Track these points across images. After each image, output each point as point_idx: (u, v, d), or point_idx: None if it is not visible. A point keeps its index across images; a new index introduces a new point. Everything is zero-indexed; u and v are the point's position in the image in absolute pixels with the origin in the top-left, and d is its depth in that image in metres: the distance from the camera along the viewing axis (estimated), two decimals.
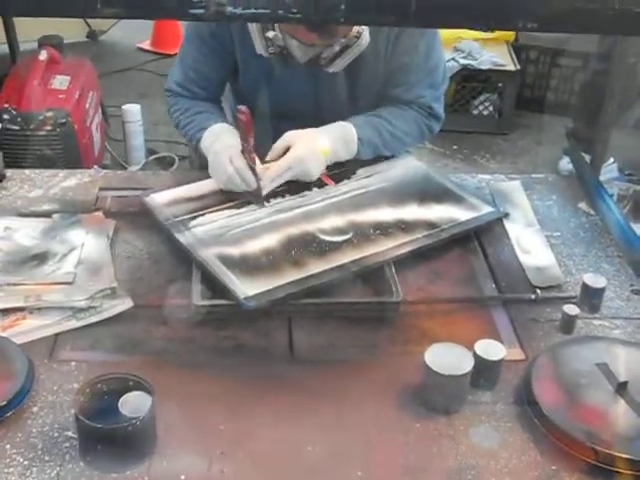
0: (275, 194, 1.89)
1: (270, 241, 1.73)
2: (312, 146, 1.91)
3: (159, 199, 1.89)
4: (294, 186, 1.92)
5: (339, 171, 2.01)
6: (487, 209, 1.94)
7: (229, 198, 1.88)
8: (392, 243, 1.76)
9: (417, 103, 2.07)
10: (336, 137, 1.96)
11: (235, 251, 1.69)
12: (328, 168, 1.97)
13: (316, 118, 1.99)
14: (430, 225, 1.84)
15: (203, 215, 1.82)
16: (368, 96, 2.07)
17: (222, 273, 1.61)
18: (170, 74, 2.17)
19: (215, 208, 1.84)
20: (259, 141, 1.87)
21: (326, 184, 1.96)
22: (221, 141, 1.91)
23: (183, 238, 1.74)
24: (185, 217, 1.81)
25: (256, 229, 1.78)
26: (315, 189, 1.94)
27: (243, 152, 1.84)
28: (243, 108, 1.80)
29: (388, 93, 2.07)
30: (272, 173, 1.88)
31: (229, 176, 1.85)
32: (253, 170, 1.84)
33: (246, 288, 1.57)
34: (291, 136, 1.92)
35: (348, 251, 1.72)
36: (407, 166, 2.09)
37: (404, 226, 1.82)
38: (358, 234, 1.77)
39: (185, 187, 1.93)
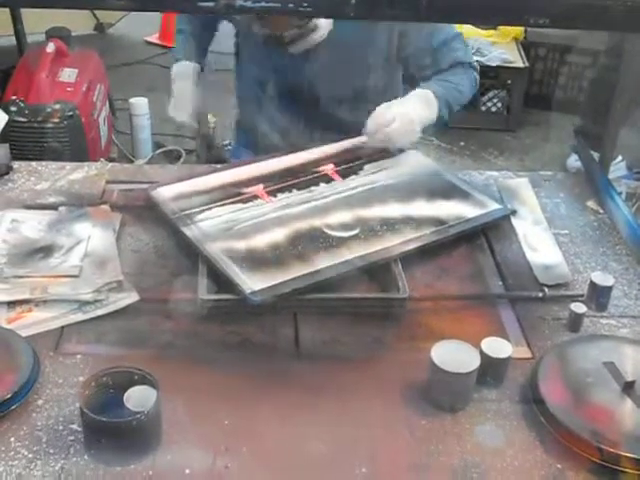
0: (282, 189, 1.89)
1: (277, 236, 1.72)
2: (407, 122, 2.01)
3: (166, 193, 1.88)
4: (301, 182, 1.92)
5: (347, 166, 2.00)
6: (494, 206, 1.94)
7: (236, 192, 1.87)
8: (399, 239, 1.75)
9: (458, 63, 2.18)
10: (422, 104, 2.06)
11: (241, 245, 1.68)
12: (336, 164, 1.97)
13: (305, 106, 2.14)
14: (438, 222, 1.83)
15: (210, 209, 1.81)
16: (352, 82, 2.16)
17: (228, 267, 1.60)
18: None
19: (221, 202, 1.83)
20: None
21: (333, 179, 1.95)
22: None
23: (189, 232, 1.73)
24: (192, 211, 1.80)
25: (263, 224, 1.77)
26: (322, 184, 1.93)
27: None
28: None
29: (426, 66, 2.18)
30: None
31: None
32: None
33: (252, 283, 1.56)
34: (385, 112, 2.01)
35: (355, 247, 1.71)
36: (415, 162, 2.09)
37: (411, 222, 1.82)
38: (365, 230, 1.76)
39: (192, 181, 1.93)
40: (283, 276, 1.59)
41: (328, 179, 1.95)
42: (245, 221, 1.77)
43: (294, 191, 1.90)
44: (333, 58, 2.07)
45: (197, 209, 1.81)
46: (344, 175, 1.98)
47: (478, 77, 2.25)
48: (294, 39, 1.99)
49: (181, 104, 2.18)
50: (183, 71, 2.26)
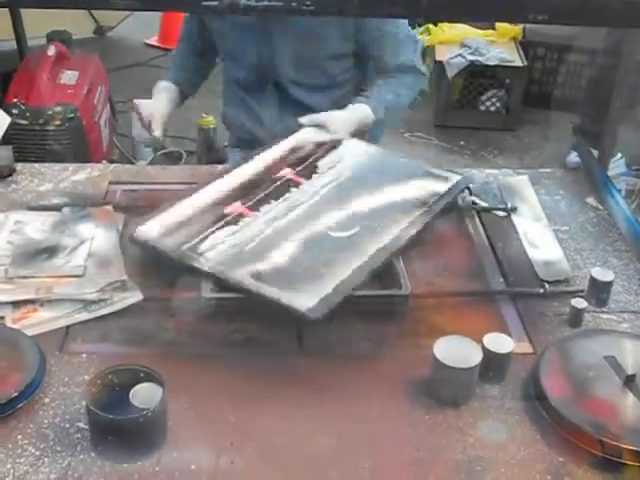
0: (260, 202, 1.80)
1: (289, 249, 1.66)
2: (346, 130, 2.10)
3: (150, 231, 1.69)
4: (273, 191, 1.85)
5: (302, 168, 1.96)
6: (456, 177, 1.98)
7: (220, 215, 1.75)
8: (399, 226, 1.75)
9: (405, 66, 2.24)
10: (360, 122, 2.13)
11: (264, 266, 1.60)
12: (291, 167, 1.95)
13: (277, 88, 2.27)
14: (420, 202, 1.85)
15: (207, 237, 1.67)
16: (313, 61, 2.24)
17: (267, 291, 1.53)
18: None
19: (214, 228, 1.71)
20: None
21: (299, 182, 1.90)
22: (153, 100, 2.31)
23: (203, 265, 1.60)
24: (191, 244, 1.64)
25: (268, 240, 1.69)
26: (293, 189, 1.87)
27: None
28: None
29: (377, 59, 2.26)
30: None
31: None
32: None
33: (301, 300, 1.51)
34: (329, 120, 2.08)
35: (366, 243, 1.69)
36: (361, 150, 2.08)
37: (398, 208, 1.82)
38: (363, 225, 1.75)
39: (167, 213, 1.75)
40: (324, 286, 1.54)
41: (295, 183, 1.89)
42: (249, 242, 1.68)
43: (272, 202, 1.81)
44: (297, 44, 2.17)
45: (195, 240, 1.65)
46: (306, 176, 1.93)
47: (422, 83, 2.36)
48: None
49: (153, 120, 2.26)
50: (162, 88, 2.35)
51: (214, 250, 1.63)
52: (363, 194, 1.86)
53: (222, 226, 1.71)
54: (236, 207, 1.77)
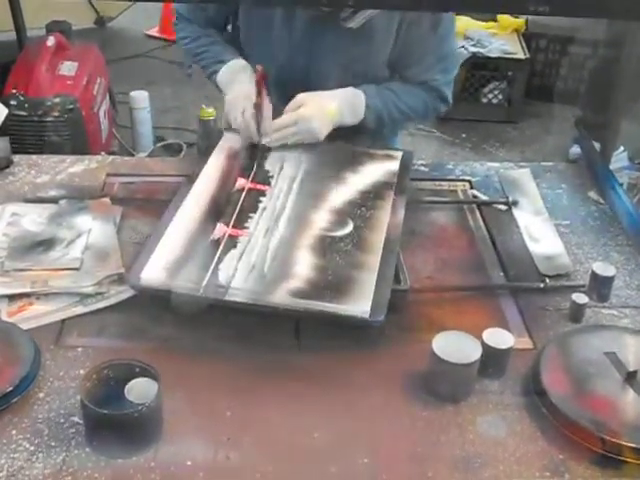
0: (241, 219, 1.73)
1: (305, 259, 1.62)
2: (320, 106, 1.94)
3: (154, 275, 1.57)
4: (246, 205, 1.78)
5: (253, 174, 1.89)
6: (399, 153, 2.02)
7: (214, 241, 1.67)
8: (387, 213, 1.77)
9: (429, 85, 2.08)
10: (345, 101, 1.98)
11: (295, 283, 1.56)
12: (243, 177, 1.86)
13: (304, 88, 1.99)
14: (387, 185, 1.88)
15: (219, 269, 1.58)
16: (362, 68, 2.04)
17: (317, 306, 1.51)
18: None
19: (219, 256, 1.62)
20: None
21: (264, 190, 1.84)
22: (237, 85, 1.99)
23: (236, 297, 1.53)
24: (208, 278, 1.55)
25: (279, 255, 1.63)
26: (263, 199, 1.81)
27: (256, 105, 1.90)
28: (258, 67, 1.89)
29: (402, 73, 2.08)
30: (278, 122, 1.93)
31: (238, 125, 1.95)
32: (259, 125, 1.92)
33: (354, 306, 1.50)
34: (302, 97, 1.94)
35: (369, 236, 1.69)
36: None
37: (372, 195, 1.84)
38: (353, 219, 1.74)
39: (158, 250, 1.63)
40: (365, 288, 1.54)
41: (260, 191, 1.84)
42: (262, 261, 1.62)
43: (253, 215, 1.75)
44: (340, 45, 1.98)
45: (208, 275, 1.56)
46: (264, 181, 1.88)
47: (443, 109, 2.16)
48: (351, 14, 1.88)
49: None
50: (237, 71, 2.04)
51: (236, 279, 1.56)
52: (331, 188, 1.85)
53: (224, 252, 1.63)
54: (222, 229, 1.69)
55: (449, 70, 2.12)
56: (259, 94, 1.91)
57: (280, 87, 2.02)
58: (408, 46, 2.01)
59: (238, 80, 2.01)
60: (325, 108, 1.95)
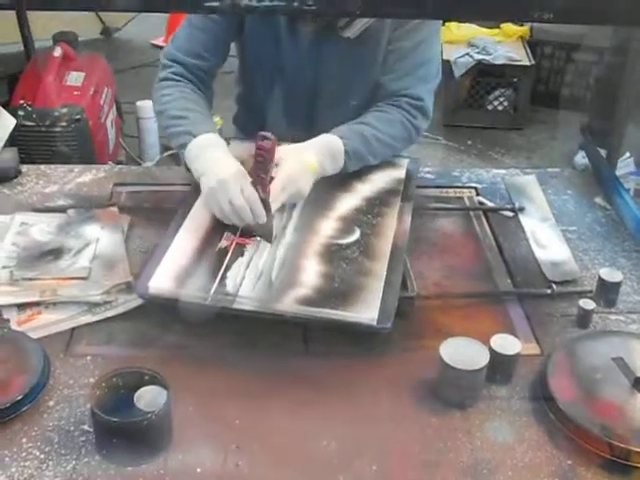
0: (248, 227, 1.69)
1: (314, 267, 1.62)
2: (301, 163, 1.75)
3: (163, 283, 1.57)
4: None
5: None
6: (405, 161, 2.01)
7: (222, 249, 1.66)
8: (394, 219, 1.77)
9: (405, 94, 1.95)
10: (323, 152, 1.81)
11: (303, 291, 1.56)
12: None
13: (311, 101, 2.00)
14: (394, 192, 1.88)
15: (226, 277, 1.59)
16: (365, 79, 2.00)
17: (325, 314, 1.51)
18: (171, 40, 2.01)
19: (226, 264, 1.62)
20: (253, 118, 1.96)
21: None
22: (224, 166, 1.73)
23: (246, 304, 1.54)
24: (216, 286, 1.56)
25: (288, 263, 1.64)
26: None
27: (253, 182, 1.66)
28: (269, 134, 1.63)
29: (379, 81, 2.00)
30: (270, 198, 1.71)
31: (240, 207, 1.65)
32: (264, 202, 1.66)
33: (361, 313, 1.50)
34: (279, 152, 1.72)
35: (376, 242, 1.69)
36: None
37: (379, 203, 1.83)
38: (360, 225, 1.75)
39: (166, 258, 1.63)
40: (373, 295, 1.54)
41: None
42: (269, 269, 1.62)
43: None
44: (344, 57, 1.94)
45: (216, 283, 1.57)
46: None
47: (424, 126, 2.00)
48: (347, 23, 1.85)
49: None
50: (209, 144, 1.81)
51: (243, 287, 1.56)
52: (337, 196, 1.85)
53: (232, 260, 1.63)
54: (230, 238, 1.69)
55: (428, 79, 2.00)
56: (266, 168, 1.65)
57: (288, 100, 2.00)
58: (388, 52, 1.95)
59: (221, 163, 1.74)
60: (306, 165, 1.76)
